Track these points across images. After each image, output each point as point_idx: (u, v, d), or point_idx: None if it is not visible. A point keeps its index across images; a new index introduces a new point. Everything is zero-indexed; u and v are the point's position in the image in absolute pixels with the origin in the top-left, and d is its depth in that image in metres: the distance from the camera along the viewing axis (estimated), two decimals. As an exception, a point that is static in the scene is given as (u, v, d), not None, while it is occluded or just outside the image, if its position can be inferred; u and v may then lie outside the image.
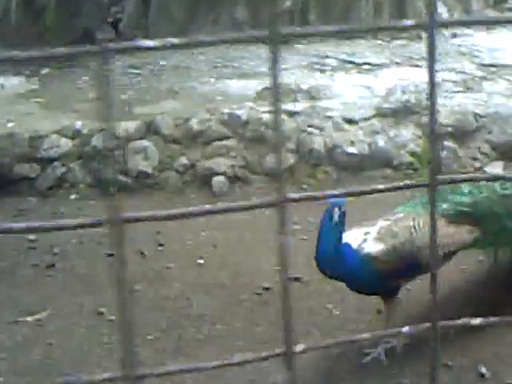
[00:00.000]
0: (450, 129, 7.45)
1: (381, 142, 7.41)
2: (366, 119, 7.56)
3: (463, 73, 8.64)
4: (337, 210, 4.60)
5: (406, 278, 4.79)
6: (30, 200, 7.42)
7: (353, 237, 4.70)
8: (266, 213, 6.88)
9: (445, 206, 4.91)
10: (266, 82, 8.54)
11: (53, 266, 6.21)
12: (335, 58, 9.28)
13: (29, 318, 5.49)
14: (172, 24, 10.41)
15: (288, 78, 8.67)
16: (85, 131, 7.74)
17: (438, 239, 4.53)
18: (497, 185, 5.17)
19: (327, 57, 9.33)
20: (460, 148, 7.43)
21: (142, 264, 6.16)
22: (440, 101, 7.80)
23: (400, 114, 7.55)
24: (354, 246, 4.66)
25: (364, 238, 4.68)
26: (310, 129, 7.49)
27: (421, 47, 9.70)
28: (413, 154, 7.40)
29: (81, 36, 10.62)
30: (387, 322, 4.85)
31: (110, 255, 6.28)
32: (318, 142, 7.42)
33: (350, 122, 7.53)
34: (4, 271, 6.15)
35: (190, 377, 4.79)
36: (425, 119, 7.54)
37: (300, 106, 7.79)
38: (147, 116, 7.89)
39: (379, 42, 9.92)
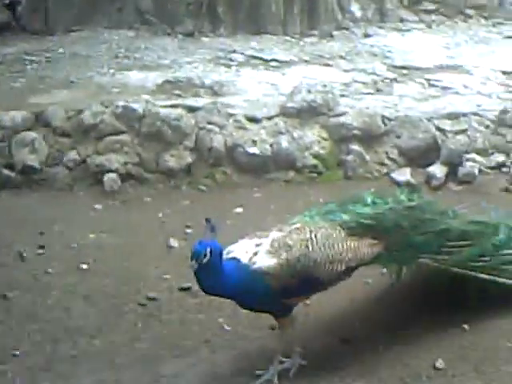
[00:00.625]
0: (357, 132, 7.16)
1: (284, 142, 7.08)
2: (269, 118, 7.22)
3: (374, 74, 8.41)
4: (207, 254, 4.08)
5: (303, 295, 4.39)
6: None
7: (244, 249, 4.26)
8: (159, 215, 6.50)
9: (346, 217, 4.54)
10: (167, 75, 8.15)
11: None
12: (242, 53, 8.95)
13: None
14: (73, 10, 9.87)
15: (191, 71, 8.29)
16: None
17: (337, 254, 4.21)
18: (403, 195, 4.87)
19: (234, 51, 9.00)
20: (367, 152, 7.16)
21: (19, 268, 5.72)
22: (348, 102, 7.54)
23: (305, 114, 7.23)
24: (244, 259, 4.21)
25: (255, 251, 4.24)
26: (209, 126, 7.11)
27: (332, 46, 9.45)
28: (317, 156, 7.10)
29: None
30: (281, 342, 4.46)
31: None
32: (217, 141, 7.05)
33: (253, 120, 7.18)
34: None
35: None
36: (331, 120, 7.24)
37: (201, 101, 7.39)
38: (38, 106, 7.38)
39: (289, 38, 9.63)
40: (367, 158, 7.14)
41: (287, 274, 4.21)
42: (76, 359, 4.68)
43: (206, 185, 6.97)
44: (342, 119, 7.22)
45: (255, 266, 4.18)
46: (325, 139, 7.17)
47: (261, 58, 8.83)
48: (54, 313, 5.13)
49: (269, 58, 8.83)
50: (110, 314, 5.09)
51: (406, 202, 4.78)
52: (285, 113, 7.25)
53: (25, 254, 5.83)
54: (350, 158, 7.12)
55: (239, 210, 6.52)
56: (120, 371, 4.55)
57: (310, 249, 4.27)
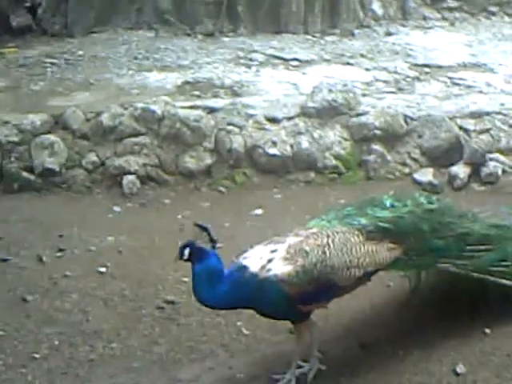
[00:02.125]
0: (378, 131, 7.07)
1: (305, 143, 7.01)
2: (289, 118, 7.14)
3: (396, 72, 8.32)
4: (186, 251, 4.12)
5: (321, 301, 4.29)
6: None
7: (258, 256, 4.18)
8: (178, 217, 6.46)
9: (364, 221, 4.44)
10: (187, 76, 8.12)
11: None
12: (263, 53, 8.89)
13: None
14: (92, 12, 9.86)
15: (211, 72, 8.25)
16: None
17: (355, 259, 4.12)
18: (422, 198, 4.75)
19: (254, 51, 8.94)
20: (389, 152, 7.07)
21: (38, 271, 5.70)
22: (370, 101, 7.46)
23: (326, 113, 7.15)
24: (257, 267, 4.12)
25: (269, 258, 4.15)
26: (229, 127, 7.05)
27: (353, 44, 9.37)
28: (338, 156, 7.02)
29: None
30: (298, 347, 4.38)
31: (4, 260, 5.80)
32: (237, 142, 6.99)
33: (273, 120, 7.11)
34: None
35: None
36: (352, 120, 7.16)
37: (221, 102, 7.34)
38: (57, 108, 7.37)
39: (309, 37, 9.56)
40: (389, 158, 7.06)
41: (304, 280, 4.13)
42: (94, 363, 4.65)
43: (226, 186, 6.92)
44: (363, 119, 7.13)
45: (270, 273, 4.10)
46: (346, 139, 7.09)
47: (281, 58, 8.77)
48: (72, 316, 5.10)
49: (289, 57, 8.77)
50: (128, 318, 5.05)
51: (426, 204, 4.67)
52: (305, 113, 7.18)
53: (44, 257, 5.81)
54: (371, 158, 7.03)
55: (259, 211, 6.46)
56: (138, 375, 4.52)
57: (328, 255, 4.19)
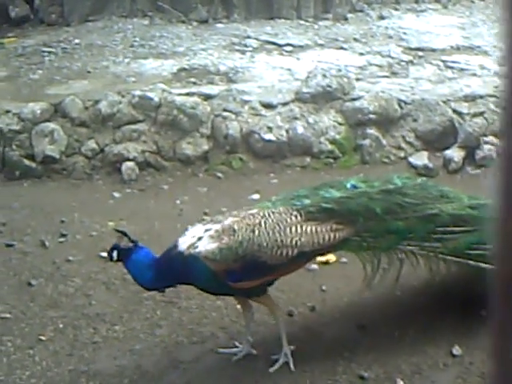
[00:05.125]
0: (373, 116, 7.16)
1: (300, 128, 7.10)
2: (284, 104, 7.23)
3: (389, 56, 8.39)
4: (114, 253, 4.40)
5: (252, 279, 4.30)
6: None
7: (192, 234, 4.32)
8: (176, 202, 6.55)
9: (307, 201, 4.41)
10: (183, 63, 8.19)
11: None
12: (257, 39, 8.95)
13: None
14: (88, 0, 9.92)
15: (206, 58, 8.32)
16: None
17: (287, 238, 4.09)
18: (397, 179, 4.66)
19: (248, 37, 9.00)
20: (383, 136, 7.16)
21: (42, 256, 5.79)
22: (364, 86, 7.53)
23: (320, 99, 7.24)
24: (186, 245, 4.26)
25: (199, 236, 4.28)
26: (225, 113, 7.14)
27: (346, 29, 9.43)
28: (333, 141, 7.11)
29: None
30: (276, 321, 4.51)
31: (9, 246, 5.91)
32: (233, 128, 7.08)
33: (268, 106, 7.19)
34: None
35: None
36: (347, 105, 7.25)
37: (217, 88, 7.42)
38: (56, 97, 7.45)
39: (303, 22, 9.61)
40: (384, 142, 7.13)
41: (228, 258, 4.21)
42: (97, 345, 4.76)
43: (223, 171, 7.01)
44: (357, 103, 7.21)
45: (195, 251, 4.23)
46: (341, 124, 7.18)
47: (275, 43, 8.83)
48: (75, 300, 5.21)
49: (283, 42, 8.83)
50: (130, 301, 5.16)
51: (382, 185, 4.55)
52: (300, 98, 7.26)
53: (47, 243, 5.92)
54: (366, 142, 7.11)
55: (256, 196, 6.55)
56: (140, 357, 4.62)
57: (256, 233, 4.24)
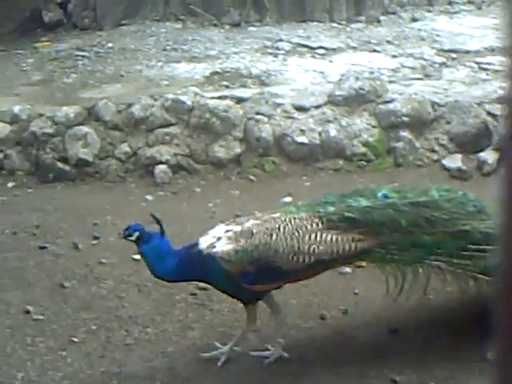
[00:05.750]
0: (406, 118, 7.12)
1: (333, 131, 7.08)
2: (317, 107, 7.21)
3: (422, 59, 8.34)
4: (136, 234, 4.49)
5: (266, 283, 4.34)
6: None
7: (213, 234, 4.37)
8: (209, 205, 6.56)
9: (331, 209, 4.35)
10: (215, 66, 8.21)
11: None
12: (289, 42, 8.95)
13: None
14: (121, 4, 9.99)
15: (238, 62, 8.33)
16: (23, 116, 7.36)
17: (305, 245, 4.05)
18: (435, 191, 4.53)
19: (281, 40, 9.00)
20: (417, 139, 7.12)
21: (75, 258, 5.83)
22: (397, 88, 7.50)
23: (353, 101, 7.21)
24: (206, 244, 4.32)
25: (219, 237, 4.32)
26: (258, 116, 7.14)
27: (379, 31, 9.39)
28: (366, 144, 7.08)
29: (28, 16, 10.22)
30: (246, 327, 4.54)
31: (42, 248, 5.95)
32: (266, 131, 7.07)
33: (301, 109, 7.18)
34: None
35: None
36: (380, 107, 7.21)
37: (249, 91, 7.43)
38: (89, 101, 7.51)
39: (335, 25, 9.59)
40: (417, 144, 7.09)
41: (243, 260, 4.24)
42: (129, 347, 4.77)
43: (255, 174, 7.01)
44: (390, 106, 7.18)
45: (212, 251, 4.28)
46: (374, 127, 7.15)
47: (307, 46, 8.82)
48: (108, 302, 5.23)
49: (315, 45, 8.82)
50: (162, 304, 5.17)
51: (414, 197, 4.41)
52: (333, 101, 7.24)
53: (80, 245, 5.95)
54: (399, 145, 7.08)
55: (288, 199, 6.54)
56: (172, 359, 4.63)
57: (274, 238, 4.23)
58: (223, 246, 4.27)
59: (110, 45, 9.25)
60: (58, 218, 6.42)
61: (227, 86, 7.67)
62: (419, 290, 4.57)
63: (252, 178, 6.99)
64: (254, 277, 4.26)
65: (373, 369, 4.40)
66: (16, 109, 7.42)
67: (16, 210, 6.55)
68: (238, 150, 7.07)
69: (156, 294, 5.29)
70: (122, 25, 9.88)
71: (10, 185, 7.18)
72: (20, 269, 5.65)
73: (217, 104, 7.17)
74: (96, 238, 6.06)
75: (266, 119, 7.13)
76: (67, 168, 7.12)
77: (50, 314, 5.10)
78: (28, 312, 5.11)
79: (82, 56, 8.96)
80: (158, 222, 4.46)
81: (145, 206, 6.63)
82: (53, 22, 10.21)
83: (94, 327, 4.98)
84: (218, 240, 4.30)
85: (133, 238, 4.48)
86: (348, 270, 5.28)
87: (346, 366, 4.44)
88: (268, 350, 4.59)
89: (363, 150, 7.06)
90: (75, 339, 4.86)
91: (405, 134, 7.11)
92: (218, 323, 4.94)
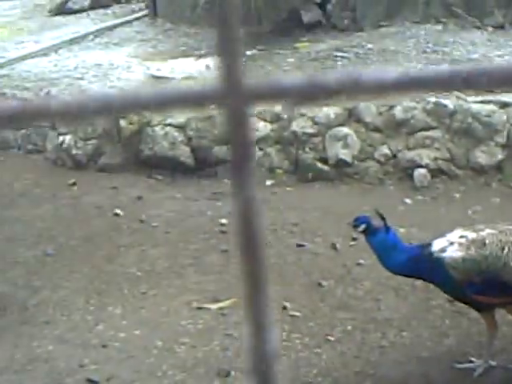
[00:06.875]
0: None
1: None
2: None
3: None
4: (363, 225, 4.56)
5: (491, 295, 4.24)
6: (226, 183, 7.39)
7: (448, 238, 4.36)
8: (468, 212, 6.45)
9: None
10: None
11: (242, 253, 6.12)
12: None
13: (212, 306, 5.40)
14: (381, 5, 10.04)
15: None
16: (285, 115, 7.60)
17: None
18: None
19: None
20: None
21: (332, 258, 5.96)
22: None
23: None
24: (438, 247, 4.32)
25: (452, 241, 4.29)
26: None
27: None
28: None
29: (286, 16, 10.54)
30: (486, 337, 4.46)
31: (300, 246, 6.13)
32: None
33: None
34: (193, 256, 6.11)
35: None
36: None
37: (516, 96, 7.20)
38: (349, 101, 7.62)
39: None
40: None
41: (470, 270, 4.18)
42: (384, 349, 4.83)
43: (519, 182, 6.81)
44: None
45: (442, 255, 4.25)
46: None
47: None
48: (364, 303, 5.32)
49: None
50: (419, 308, 5.18)
51: None
52: None
53: (337, 245, 6.06)
54: None
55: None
56: (426, 365, 4.63)
57: (505, 252, 4.13)
58: (453, 252, 4.27)
59: (369, 46, 9.32)
60: (316, 217, 6.58)
61: (491, 91, 7.48)
62: None
63: (514, 186, 6.79)
64: (479, 287, 4.23)
65: None
66: (277, 108, 7.67)
67: (274, 207, 6.79)
68: (500, 157, 6.89)
69: (413, 298, 5.30)
70: (382, 26, 9.92)
71: (268, 183, 7.42)
72: (278, 265, 5.85)
73: (480, 108, 7.02)
74: (354, 238, 6.11)
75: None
76: (326, 168, 7.27)
77: (306, 312, 5.26)
78: (285, 308, 5.29)
79: (342, 57, 9.10)
80: (382, 217, 4.56)
81: (403, 210, 6.64)
82: (311, 22, 10.43)
83: (349, 327, 5.08)
84: (450, 244, 4.31)
85: (360, 229, 4.64)
86: None
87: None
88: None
89: None
90: (331, 338, 4.98)
91: None
92: (474, 332, 4.87)
